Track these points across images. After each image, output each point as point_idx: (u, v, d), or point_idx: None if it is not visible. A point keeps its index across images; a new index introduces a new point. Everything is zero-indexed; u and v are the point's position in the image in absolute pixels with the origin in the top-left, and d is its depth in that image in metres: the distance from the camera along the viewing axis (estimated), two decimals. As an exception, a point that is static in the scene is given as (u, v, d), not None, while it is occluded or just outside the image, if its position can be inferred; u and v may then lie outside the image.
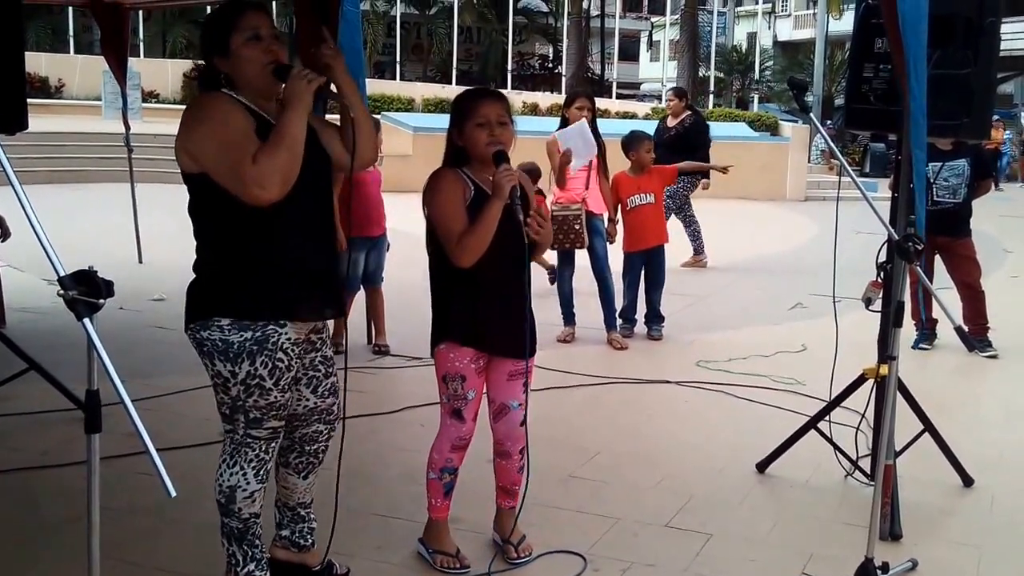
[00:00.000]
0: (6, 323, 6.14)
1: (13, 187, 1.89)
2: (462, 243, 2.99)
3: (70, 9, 23.09)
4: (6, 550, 3.36)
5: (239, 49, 2.62)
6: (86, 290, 1.81)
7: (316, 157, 2.74)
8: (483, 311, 3.08)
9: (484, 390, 3.24)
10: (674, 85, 9.86)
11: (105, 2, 7.87)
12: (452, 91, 26.09)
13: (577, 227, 6.26)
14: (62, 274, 1.80)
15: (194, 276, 2.76)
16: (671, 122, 9.55)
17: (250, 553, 2.82)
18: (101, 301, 1.83)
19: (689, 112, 9.45)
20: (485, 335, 3.10)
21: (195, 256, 2.77)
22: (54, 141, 14.64)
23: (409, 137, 16.75)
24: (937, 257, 6.57)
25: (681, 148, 8.82)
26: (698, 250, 9.61)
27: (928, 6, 3.24)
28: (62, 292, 1.80)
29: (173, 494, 1.76)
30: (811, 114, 3.45)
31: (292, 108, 2.60)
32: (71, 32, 27.09)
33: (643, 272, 6.75)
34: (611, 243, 6.55)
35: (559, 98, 26.21)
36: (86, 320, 1.80)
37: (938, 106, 3.42)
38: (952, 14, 3.56)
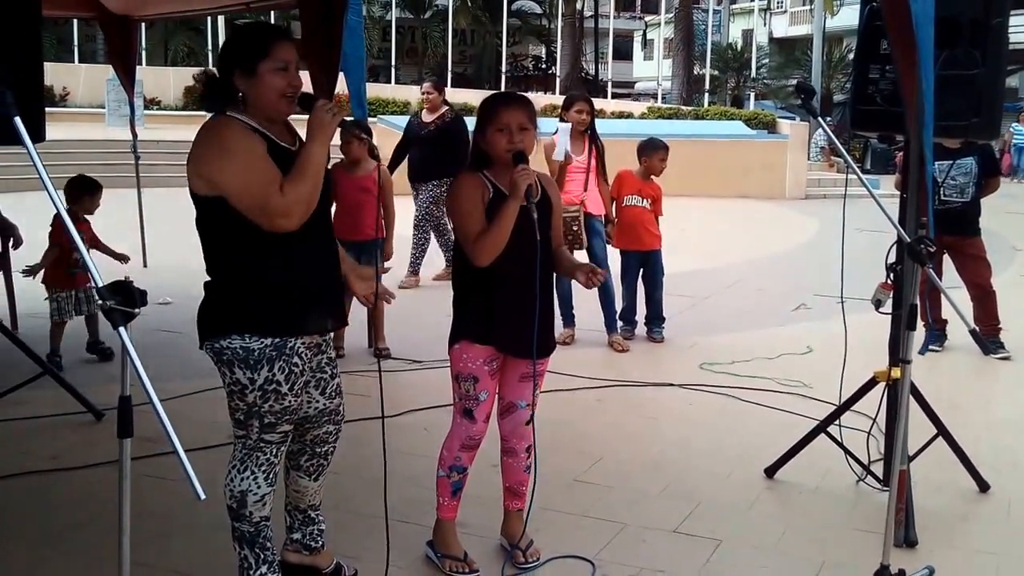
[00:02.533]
0: (18, 327, 6.20)
1: (54, 202, 2.01)
2: (479, 243, 3.03)
3: (74, 20, 23.33)
4: (18, 553, 3.39)
5: (265, 75, 2.69)
6: (122, 300, 1.87)
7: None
8: (499, 310, 3.10)
9: (497, 391, 3.26)
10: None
11: (115, 15, 8.04)
12: (447, 94, 26.13)
13: (575, 228, 6.25)
14: (100, 284, 1.87)
15: (206, 294, 2.80)
16: (428, 117, 8.47)
17: (262, 556, 2.87)
18: (137, 310, 1.89)
19: (448, 107, 8.56)
20: (500, 334, 3.12)
21: (206, 272, 2.81)
22: (59, 149, 14.73)
23: (405, 140, 16.70)
24: (946, 257, 6.47)
25: (440, 145, 8.11)
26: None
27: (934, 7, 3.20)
28: (100, 302, 1.86)
29: (203, 497, 1.80)
30: (820, 118, 3.40)
31: (316, 139, 2.70)
32: (76, 42, 27.57)
33: (641, 274, 6.72)
34: (610, 243, 6.53)
35: (553, 98, 26.17)
36: (121, 329, 1.87)
37: (946, 107, 3.38)
38: (958, 15, 3.52)
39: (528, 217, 3.00)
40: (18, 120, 2.00)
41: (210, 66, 26.20)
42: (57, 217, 5.79)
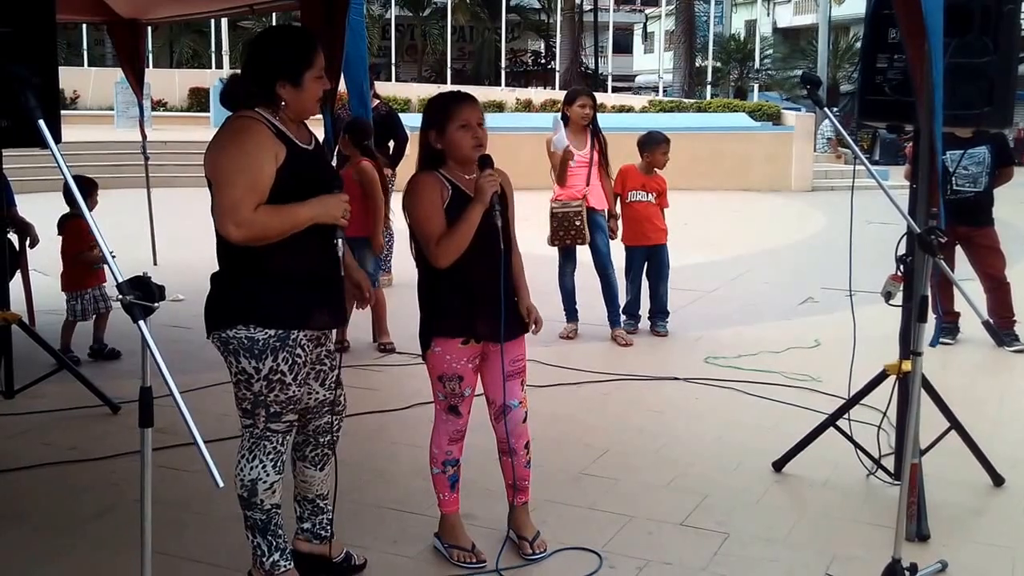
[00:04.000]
0: (35, 324, 6.28)
1: (78, 202, 2.10)
2: (441, 245, 3.07)
3: (84, 24, 23.97)
4: (40, 542, 3.46)
5: (309, 83, 2.84)
6: (141, 295, 1.95)
7: (326, 175, 2.96)
8: (470, 302, 3.15)
9: (476, 382, 3.31)
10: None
11: (124, 19, 8.20)
12: (447, 90, 26.22)
13: (578, 223, 6.25)
14: (120, 280, 1.95)
15: (213, 285, 2.89)
16: None
17: (274, 543, 2.95)
18: (156, 304, 1.97)
19: (380, 100, 8.37)
20: (474, 323, 3.17)
21: (217, 261, 2.90)
22: (70, 151, 14.78)
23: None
24: (959, 248, 6.40)
25: (377, 138, 7.50)
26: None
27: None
28: (120, 297, 1.94)
29: (221, 484, 1.86)
30: (826, 108, 3.36)
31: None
32: (85, 46, 28.39)
33: (646, 267, 6.69)
34: (613, 239, 6.51)
35: (553, 93, 26.15)
36: (141, 322, 1.93)
37: (957, 95, 3.34)
38: (969, 1, 3.48)
39: (491, 220, 3.06)
40: (41, 123, 2.05)
41: (213, 67, 26.74)
42: (65, 221, 5.83)
